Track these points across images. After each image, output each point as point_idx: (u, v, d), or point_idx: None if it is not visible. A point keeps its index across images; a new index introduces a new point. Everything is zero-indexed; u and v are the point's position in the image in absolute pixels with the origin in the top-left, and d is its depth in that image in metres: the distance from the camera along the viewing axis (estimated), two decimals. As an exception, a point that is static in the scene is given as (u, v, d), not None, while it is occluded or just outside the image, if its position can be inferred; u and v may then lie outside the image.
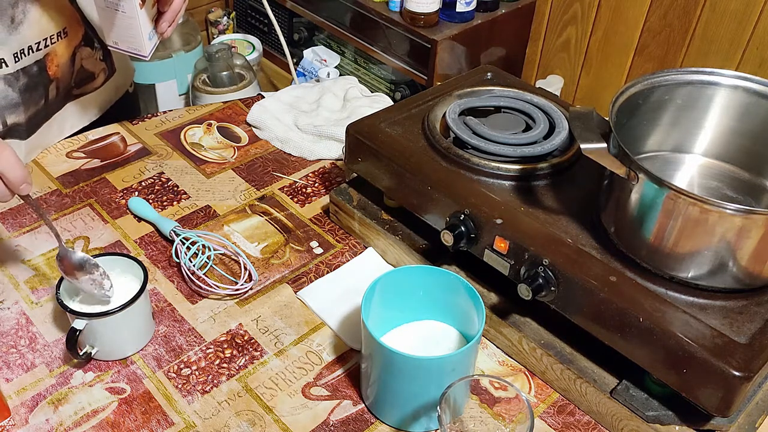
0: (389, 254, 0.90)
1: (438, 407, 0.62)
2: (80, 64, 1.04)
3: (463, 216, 0.77)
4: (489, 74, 1.00)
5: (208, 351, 0.79)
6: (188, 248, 0.87)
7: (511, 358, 0.80)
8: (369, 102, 1.13)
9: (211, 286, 0.85)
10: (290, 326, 0.82)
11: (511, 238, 0.73)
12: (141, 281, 0.76)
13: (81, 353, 0.75)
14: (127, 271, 0.79)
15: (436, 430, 0.73)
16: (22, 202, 0.96)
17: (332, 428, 0.73)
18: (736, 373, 0.61)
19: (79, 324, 0.73)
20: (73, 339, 0.72)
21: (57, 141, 1.07)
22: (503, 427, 0.71)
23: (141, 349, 0.79)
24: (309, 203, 1.00)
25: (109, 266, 0.79)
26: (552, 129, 0.86)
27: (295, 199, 1.00)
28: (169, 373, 0.77)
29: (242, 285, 0.85)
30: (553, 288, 0.71)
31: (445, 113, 0.88)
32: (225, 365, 0.78)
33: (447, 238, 0.77)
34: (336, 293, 0.86)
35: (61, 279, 0.75)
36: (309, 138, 1.08)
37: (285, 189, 1.02)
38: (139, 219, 0.95)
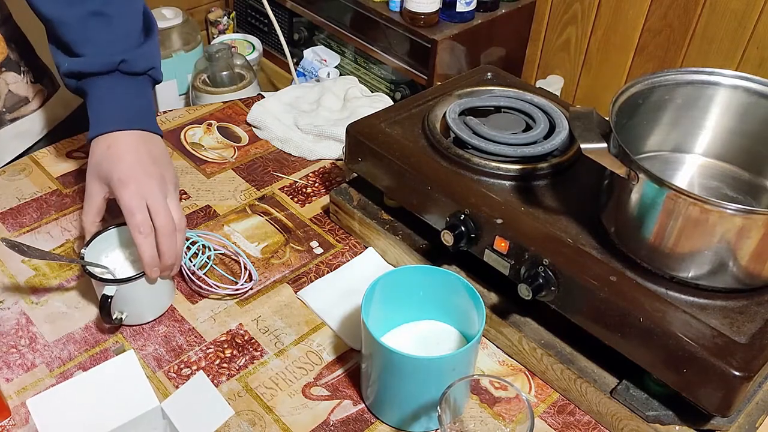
0: (389, 254, 0.90)
1: (438, 407, 0.62)
2: (7, 89, 0.99)
3: (463, 216, 0.77)
4: (489, 74, 1.00)
5: (208, 351, 0.79)
6: (188, 248, 0.87)
7: (511, 358, 0.80)
8: (369, 102, 1.13)
9: (211, 286, 0.85)
10: (290, 326, 0.82)
11: (511, 238, 0.73)
12: None
13: (113, 318, 0.77)
14: None
15: (436, 430, 0.73)
16: (22, 202, 0.96)
17: (332, 428, 0.73)
18: (736, 373, 0.61)
19: (109, 290, 0.75)
20: (106, 306, 0.75)
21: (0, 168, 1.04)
22: (503, 427, 0.71)
23: (162, 314, 0.82)
24: (309, 203, 1.00)
25: (127, 235, 0.80)
26: (552, 129, 0.86)
27: (295, 199, 1.00)
28: (169, 373, 0.77)
29: (242, 285, 0.85)
30: (553, 288, 0.71)
31: (445, 113, 0.88)
32: (225, 365, 0.78)
33: (447, 238, 0.77)
34: (336, 293, 0.86)
35: (82, 254, 0.78)
36: (309, 138, 1.08)
37: (285, 189, 1.02)
38: (139, 219, 0.95)
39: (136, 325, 0.81)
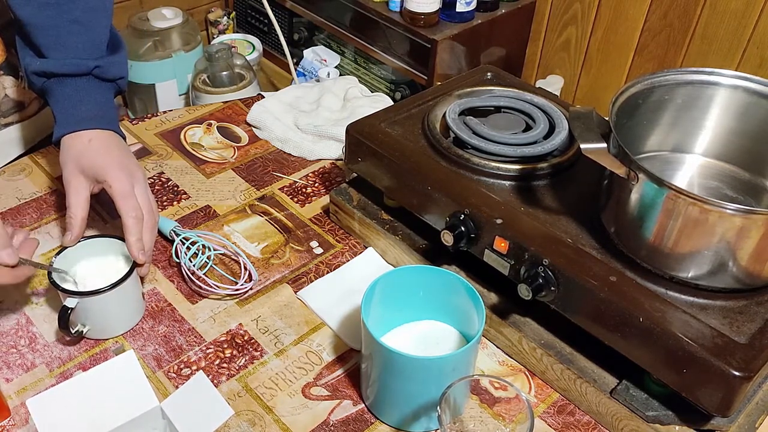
0: (389, 254, 0.90)
1: (438, 407, 0.62)
2: (3, 93, 1.00)
3: (463, 216, 0.77)
4: (489, 74, 1.00)
5: (208, 351, 0.79)
6: (188, 248, 0.87)
7: (511, 358, 0.80)
8: (369, 102, 1.13)
9: (211, 286, 0.85)
10: (290, 326, 0.82)
11: (511, 238, 0.73)
12: (130, 261, 0.78)
13: (73, 331, 0.76)
14: (118, 252, 0.81)
15: (436, 430, 0.73)
16: (22, 202, 0.96)
17: (332, 428, 0.73)
18: (736, 373, 0.61)
19: (70, 302, 0.74)
20: (65, 317, 0.74)
21: None
22: (503, 427, 0.71)
23: (131, 329, 0.81)
24: (309, 203, 1.00)
25: (99, 248, 0.81)
26: (552, 129, 0.86)
27: (295, 199, 1.00)
28: (169, 373, 0.77)
29: (242, 285, 0.85)
30: (553, 288, 0.71)
31: (445, 113, 0.88)
32: (225, 365, 0.78)
33: (447, 238, 0.77)
34: (336, 293, 0.86)
35: (52, 261, 0.77)
36: (309, 138, 1.08)
37: (285, 189, 1.02)
38: (139, 219, 0.95)
39: (98, 339, 0.80)
